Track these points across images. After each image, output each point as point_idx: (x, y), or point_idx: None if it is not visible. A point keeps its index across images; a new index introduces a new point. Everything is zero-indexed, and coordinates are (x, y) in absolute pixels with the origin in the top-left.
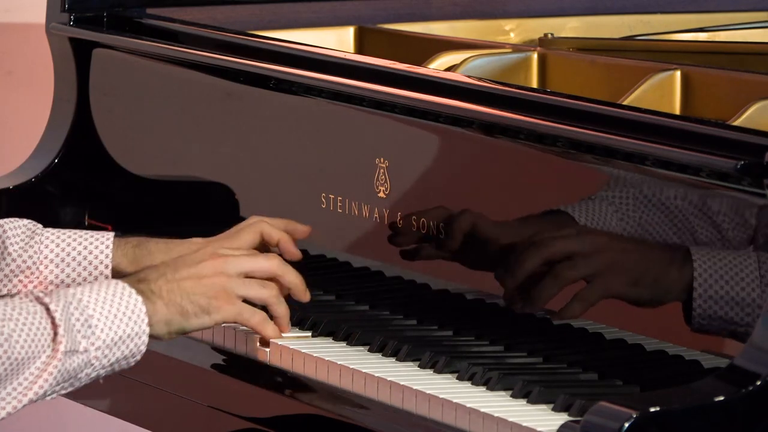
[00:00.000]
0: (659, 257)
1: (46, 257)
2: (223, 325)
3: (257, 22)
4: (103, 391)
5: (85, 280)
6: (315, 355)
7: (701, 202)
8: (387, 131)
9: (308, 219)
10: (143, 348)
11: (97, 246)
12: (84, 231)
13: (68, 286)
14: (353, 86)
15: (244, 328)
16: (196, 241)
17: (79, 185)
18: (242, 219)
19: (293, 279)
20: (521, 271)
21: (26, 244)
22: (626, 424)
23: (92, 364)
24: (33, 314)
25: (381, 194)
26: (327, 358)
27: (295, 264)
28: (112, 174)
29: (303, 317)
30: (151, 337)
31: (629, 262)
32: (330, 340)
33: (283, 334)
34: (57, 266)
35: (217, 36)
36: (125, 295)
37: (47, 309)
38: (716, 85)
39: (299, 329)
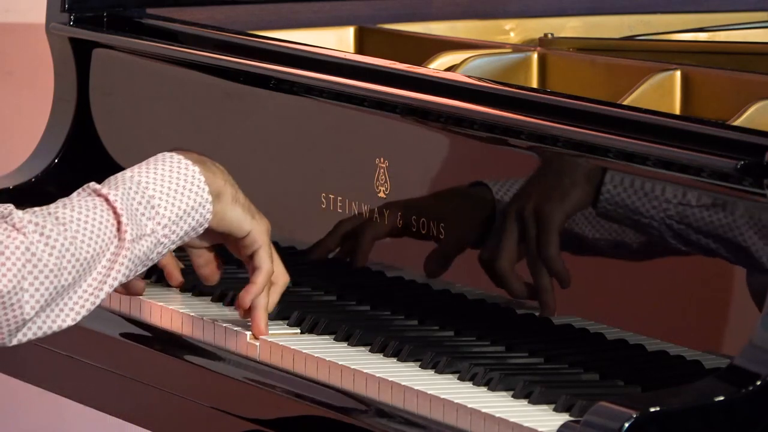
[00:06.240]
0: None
1: None
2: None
3: (257, 22)
4: (103, 391)
5: None
6: (316, 355)
7: (701, 202)
8: (387, 131)
9: (308, 219)
10: (209, 216)
11: None
12: None
13: None
14: (353, 86)
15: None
16: None
17: (79, 185)
18: None
19: (263, 303)
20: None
21: None
22: (626, 424)
23: (162, 243)
24: (93, 209)
25: (381, 194)
26: (328, 359)
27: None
28: (112, 174)
29: (303, 317)
30: None
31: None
32: (331, 340)
33: (274, 331)
34: None
35: (217, 36)
36: (182, 167)
37: (107, 200)
38: (716, 85)
39: (299, 329)
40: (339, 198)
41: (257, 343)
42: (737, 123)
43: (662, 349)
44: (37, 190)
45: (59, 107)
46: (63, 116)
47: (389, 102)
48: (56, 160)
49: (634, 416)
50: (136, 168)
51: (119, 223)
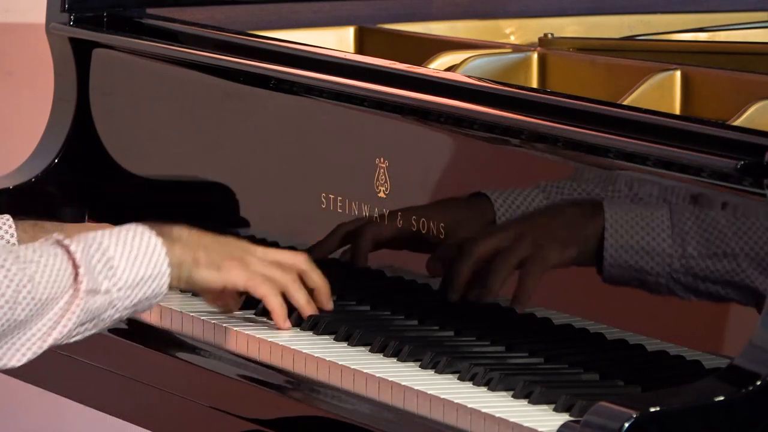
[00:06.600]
0: (574, 214)
1: None
2: (226, 324)
3: (257, 22)
4: (103, 391)
5: None
6: (316, 355)
7: (701, 202)
8: (387, 131)
9: (308, 219)
10: (165, 289)
11: (1, 227)
12: None
13: None
14: (353, 86)
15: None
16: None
17: (79, 185)
18: (242, 219)
19: (317, 280)
20: (463, 272)
21: None
22: (626, 424)
23: (115, 305)
24: (54, 256)
25: (381, 194)
26: (328, 359)
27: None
28: (112, 174)
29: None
30: None
31: (553, 231)
32: (331, 340)
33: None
34: None
35: (217, 36)
36: (145, 238)
37: (68, 251)
38: (716, 85)
39: (299, 329)
40: (339, 198)
41: (268, 350)
42: (737, 123)
43: (662, 349)
44: (37, 190)
45: (59, 107)
46: (63, 116)
47: (389, 102)
48: (56, 160)
49: (634, 416)
50: (100, 231)
51: (77, 273)
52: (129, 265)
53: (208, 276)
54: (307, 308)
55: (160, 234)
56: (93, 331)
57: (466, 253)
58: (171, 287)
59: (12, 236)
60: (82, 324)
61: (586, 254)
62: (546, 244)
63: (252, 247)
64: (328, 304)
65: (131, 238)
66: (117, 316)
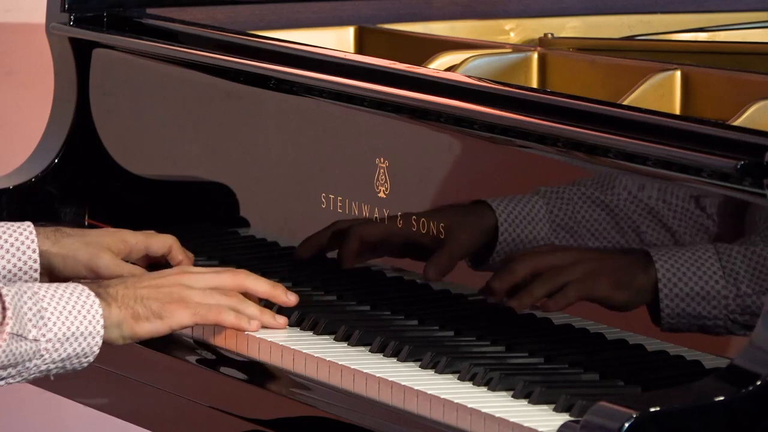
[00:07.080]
0: (626, 261)
1: None
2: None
3: (257, 22)
4: (103, 391)
5: (14, 266)
6: (316, 355)
7: (701, 202)
8: (387, 131)
9: (308, 219)
10: (96, 349)
11: (22, 233)
12: (2, 222)
13: (4, 277)
14: (353, 86)
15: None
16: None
17: (79, 185)
18: (242, 219)
19: (265, 289)
20: (504, 280)
21: None
22: (626, 424)
23: (42, 356)
24: None
25: (381, 194)
26: (328, 359)
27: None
28: (112, 174)
29: (303, 317)
30: (105, 341)
31: (606, 269)
32: (331, 340)
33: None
34: None
35: (217, 36)
36: (83, 295)
37: None
38: (716, 85)
39: (299, 329)
40: (339, 198)
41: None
42: (737, 123)
43: (662, 349)
44: (37, 190)
45: (59, 107)
46: (63, 116)
47: (389, 102)
48: (56, 160)
49: (634, 416)
50: (38, 284)
51: (4, 317)
52: (62, 318)
53: (151, 327)
54: (264, 318)
55: (97, 294)
56: (17, 380)
57: (520, 265)
58: (115, 343)
59: (33, 242)
60: (5, 368)
61: (638, 302)
62: (598, 279)
63: (189, 279)
64: (290, 301)
65: (68, 294)
66: (44, 368)
